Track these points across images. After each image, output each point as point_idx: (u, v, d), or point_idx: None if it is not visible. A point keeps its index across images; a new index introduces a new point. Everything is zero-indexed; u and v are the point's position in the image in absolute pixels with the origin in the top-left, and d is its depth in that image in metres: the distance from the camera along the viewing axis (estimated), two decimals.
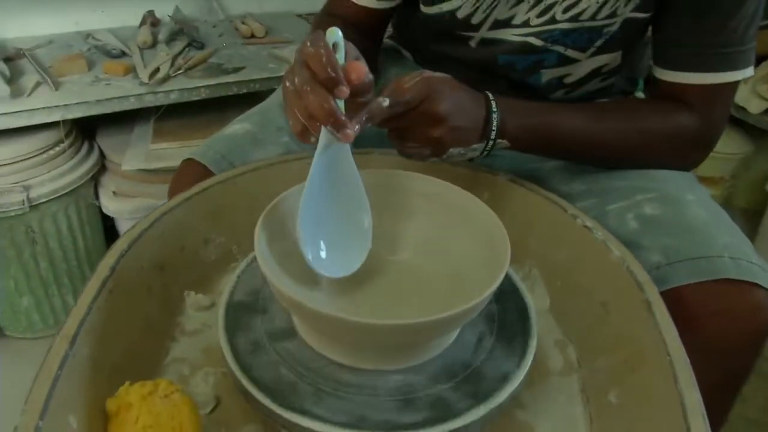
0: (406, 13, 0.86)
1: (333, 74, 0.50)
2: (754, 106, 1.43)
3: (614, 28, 0.71)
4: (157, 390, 0.45)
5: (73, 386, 0.45)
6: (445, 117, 0.58)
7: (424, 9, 0.78)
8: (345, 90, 0.51)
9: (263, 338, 0.53)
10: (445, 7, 0.76)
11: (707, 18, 0.65)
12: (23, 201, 1.18)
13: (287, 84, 0.54)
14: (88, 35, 1.51)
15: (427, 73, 0.59)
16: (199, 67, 1.34)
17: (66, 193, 1.26)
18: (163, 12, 1.63)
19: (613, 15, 0.70)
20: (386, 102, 0.55)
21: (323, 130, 0.52)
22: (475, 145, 0.64)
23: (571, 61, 0.76)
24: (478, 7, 0.74)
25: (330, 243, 0.55)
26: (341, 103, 0.53)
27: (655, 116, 0.70)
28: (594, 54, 0.75)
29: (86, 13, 1.60)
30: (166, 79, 1.27)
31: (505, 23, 0.75)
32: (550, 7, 0.72)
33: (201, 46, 1.46)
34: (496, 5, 0.74)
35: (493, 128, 0.63)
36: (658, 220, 0.64)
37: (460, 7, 0.75)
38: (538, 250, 0.68)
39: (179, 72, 1.30)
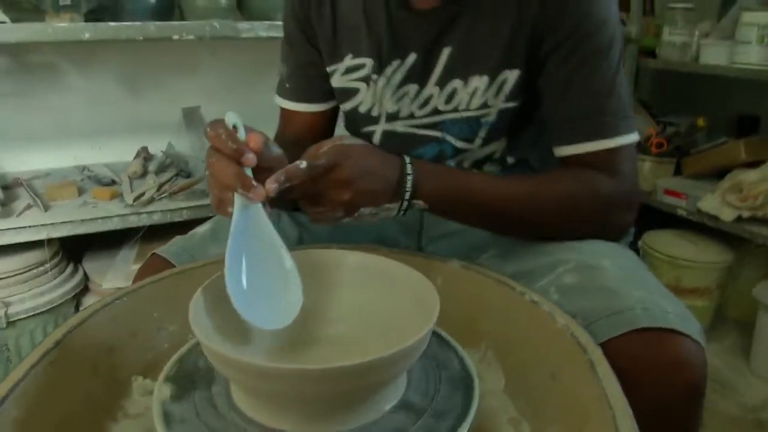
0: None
1: (235, 146, 0.56)
2: (726, 215, 1.47)
3: (491, 118, 0.79)
4: None
5: None
6: (353, 181, 0.62)
7: (341, 106, 0.88)
8: (251, 157, 0.57)
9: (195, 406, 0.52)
10: (348, 105, 0.86)
11: (574, 94, 0.73)
12: (1, 317, 1.18)
13: (206, 171, 0.60)
14: (84, 168, 1.60)
15: (341, 139, 0.65)
16: (183, 192, 1.41)
17: (46, 311, 1.26)
18: (158, 148, 1.74)
19: (485, 106, 0.78)
20: (303, 164, 0.60)
21: (236, 196, 0.57)
22: (388, 205, 0.67)
23: (464, 151, 0.82)
24: (373, 104, 0.84)
25: (258, 293, 0.57)
26: (251, 174, 0.58)
27: (572, 181, 0.73)
28: (482, 144, 0.81)
29: (85, 150, 1.71)
30: (150, 201, 1.33)
31: (395, 116, 0.83)
32: (428, 99, 0.80)
33: (188, 175, 1.54)
34: (383, 100, 0.83)
35: (407, 189, 0.67)
36: (576, 287, 0.65)
37: (361, 103, 0.85)
38: (492, 330, 0.68)
39: (163, 196, 1.36)
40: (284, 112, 0.93)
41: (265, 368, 0.44)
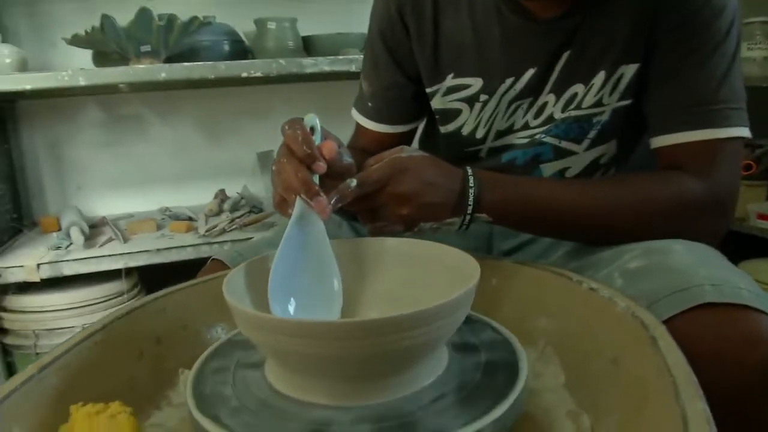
0: (427, 130, 0.93)
1: (309, 151, 0.56)
2: None
3: (604, 117, 0.74)
4: (106, 411, 0.43)
5: (28, 404, 0.44)
6: (412, 196, 0.60)
7: (440, 128, 0.85)
8: (322, 165, 0.56)
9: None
10: (450, 127, 0.82)
11: (681, 81, 0.67)
12: None
13: (273, 166, 0.59)
14: (166, 209, 1.69)
15: (400, 151, 0.63)
16: (254, 224, 1.44)
17: None
18: (234, 191, 1.81)
19: (599, 104, 0.73)
20: (353, 182, 0.59)
21: (298, 200, 0.56)
22: (450, 219, 0.64)
23: (568, 153, 0.77)
24: (478, 124, 0.80)
25: (299, 304, 0.55)
26: (318, 181, 0.58)
27: (652, 183, 0.67)
28: (590, 147, 0.76)
29: (167, 194, 1.81)
30: (222, 232, 1.37)
31: (508, 131, 0.79)
32: (543, 107, 0.76)
33: (260, 212, 1.59)
34: (494, 119, 0.79)
35: (469, 203, 0.64)
36: (642, 271, 0.59)
37: (463, 125, 0.81)
38: (550, 325, 0.63)
39: (234, 227, 1.41)
40: (361, 128, 0.91)
41: (303, 324, 0.43)
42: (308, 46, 1.51)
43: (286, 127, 0.57)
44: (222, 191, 1.78)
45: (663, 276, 0.56)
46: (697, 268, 0.56)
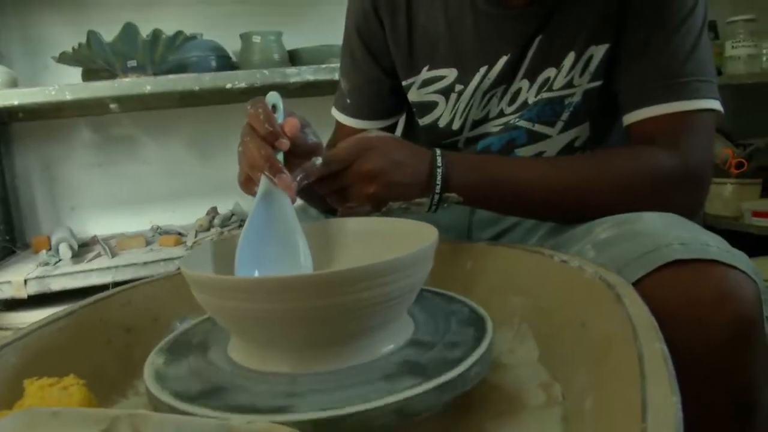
0: (407, 124, 0.93)
1: (270, 128, 0.56)
2: None
3: (576, 99, 0.74)
4: (59, 383, 0.43)
5: None
6: (378, 173, 0.60)
7: (418, 120, 0.85)
8: (285, 142, 0.56)
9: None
10: (427, 119, 0.83)
11: (649, 57, 0.67)
12: None
13: (239, 147, 0.59)
14: (157, 228, 1.69)
15: (367, 134, 0.63)
16: None
17: None
18: (226, 208, 1.81)
19: (570, 85, 0.73)
20: (319, 160, 0.59)
21: (263, 177, 0.56)
22: (419, 200, 0.64)
23: (542, 137, 0.77)
24: (454, 115, 0.80)
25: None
26: (283, 160, 0.58)
27: (623, 158, 0.67)
28: (563, 129, 0.76)
29: (159, 213, 1.81)
30: None
31: (483, 120, 0.79)
32: (517, 93, 0.76)
33: None
34: (469, 109, 0.79)
35: (437, 182, 0.63)
36: (612, 240, 0.58)
37: (440, 117, 0.81)
38: (524, 302, 0.62)
39: (222, 237, 1.40)
40: (340, 125, 0.91)
41: (261, 282, 0.42)
42: (294, 58, 1.53)
43: (248, 107, 0.57)
44: (214, 209, 1.78)
45: (632, 241, 0.55)
46: (667, 230, 0.55)
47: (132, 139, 1.77)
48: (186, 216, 1.81)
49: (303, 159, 0.59)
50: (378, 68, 0.84)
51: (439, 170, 0.64)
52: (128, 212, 1.79)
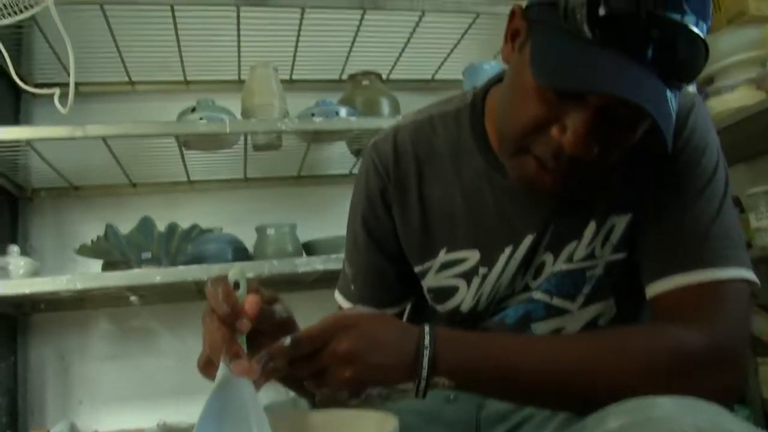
0: (416, 311, 0.86)
1: (228, 309, 0.53)
2: None
3: (597, 271, 0.69)
4: None
5: None
6: (356, 354, 0.55)
7: (437, 307, 0.79)
8: (245, 323, 0.54)
9: None
10: (448, 305, 0.77)
11: (671, 223, 0.64)
12: None
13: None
14: (163, 424, 1.61)
15: (346, 310, 0.60)
16: None
17: None
18: None
19: (591, 257, 0.69)
20: (287, 340, 0.54)
21: (221, 364, 0.52)
22: (402, 386, 0.57)
23: (561, 312, 0.71)
24: (479, 299, 0.74)
25: None
26: (244, 340, 0.55)
27: (637, 337, 0.59)
28: (585, 304, 0.70)
29: (171, 409, 1.73)
30: None
31: (509, 297, 0.75)
32: (542, 265, 0.72)
33: None
34: (497, 291, 0.74)
35: (424, 365, 0.56)
36: (624, 429, 0.48)
37: (462, 302, 0.76)
38: None
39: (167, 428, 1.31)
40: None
41: None
42: (308, 250, 1.56)
43: (209, 285, 0.55)
44: None
45: (644, 430, 0.47)
46: (682, 416, 0.46)
47: (149, 331, 1.77)
48: (196, 413, 1.73)
49: (275, 337, 0.55)
50: (382, 255, 0.80)
51: (427, 351, 0.56)
52: (138, 407, 1.72)
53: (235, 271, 0.58)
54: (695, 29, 0.55)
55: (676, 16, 0.54)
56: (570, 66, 0.57)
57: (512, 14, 0.65)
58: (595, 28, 0.55)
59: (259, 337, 0.56)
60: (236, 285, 0.57)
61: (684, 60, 0.57)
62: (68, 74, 1.18)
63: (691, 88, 1.53)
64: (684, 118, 0.66)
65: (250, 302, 0.55)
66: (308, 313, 1.90)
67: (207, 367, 0.55)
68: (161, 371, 1.76)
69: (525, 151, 0.62)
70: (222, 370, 0.52)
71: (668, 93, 0.57)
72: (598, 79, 0.55)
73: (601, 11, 0.54)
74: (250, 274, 1.35)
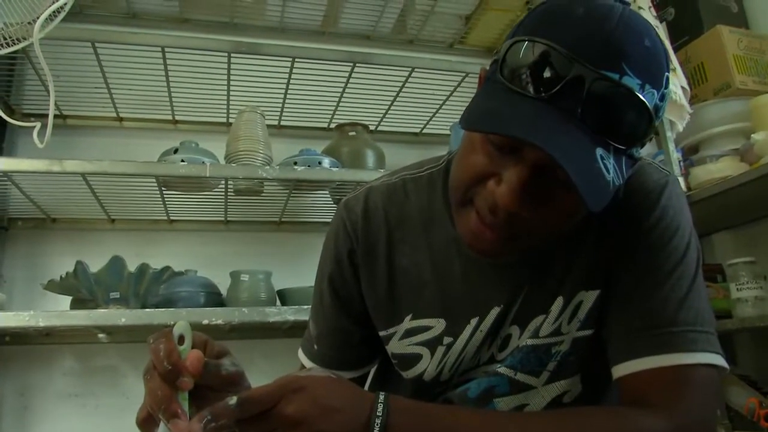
0: (384, 373, 0.85)
1: (169, 367, 0.51)
2: None
3: (563, 347, 0.68)
4: None
5: None
6: (302, 420, 0.52)
7: (402, 373, 0.78)
8: (186, 381, 0.52)
9: None
10: (410, 373, 0.76)
11: (638, 304, 0.63)
12: None
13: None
14: None
15: (297, 372, 0.58)
16: None
17: None
18: None
19: (557, 332, 0.68)
20: (233, 400, 0.52)
21: (161, 423, 0.51)
22: None
23: (525, 387, 0.69)
24: (442, 368, 0.73)
25: None
26: (186, 398, 0.53)
27: (602, 417, 0.58)
28: (550, 380, 0.69)
29: None
30: None
31: (473, 368, 0.73)
32: (508, 338, 0.71)
33: None
34: (460, 362, 0.72)
35: None
36: None
37: (424, 371, 0.74)
38: None
39: None
40: (306, 370, 0.83)
41: None
42: (283, 298, 1.54)
43: (151, 340, 0.54)
44: None
45: None
46: None
47: (113, 370, 1.72)
48: None
49: (223, 392, 0.54)
50: (347, 317, 0.79)
51: (378, 420, 0.54)
52: None
53: (180, 324, 0.57)
54: (638, 93, 0.54)
55: (613, 75, 0.53)
56: (489, 113, 0.57)
57: (480, 73, 0.66)
58: (525, 80, 0.55)
59: (205, 391, 0.54)
60: (181, 339, 0.55)
61: (620, 120, 0.55)
62: (57, 107, 1.17)
63: (677, 155, 1.55)
64: (656, 197, 0.66)
65: (192, 359, 0.54)
66: (283, 361, 1.88)
67: (145, 423, 0.54)
68: (124, 412, 1.70)
69: (469, 204, 0.62)
70: (161, 429, 0.51)
71: (599, 150, 0.55)
72: (511, 125, 0.54)
73: (530, 64, 0.55)
74: (220, 321, 1.32)
